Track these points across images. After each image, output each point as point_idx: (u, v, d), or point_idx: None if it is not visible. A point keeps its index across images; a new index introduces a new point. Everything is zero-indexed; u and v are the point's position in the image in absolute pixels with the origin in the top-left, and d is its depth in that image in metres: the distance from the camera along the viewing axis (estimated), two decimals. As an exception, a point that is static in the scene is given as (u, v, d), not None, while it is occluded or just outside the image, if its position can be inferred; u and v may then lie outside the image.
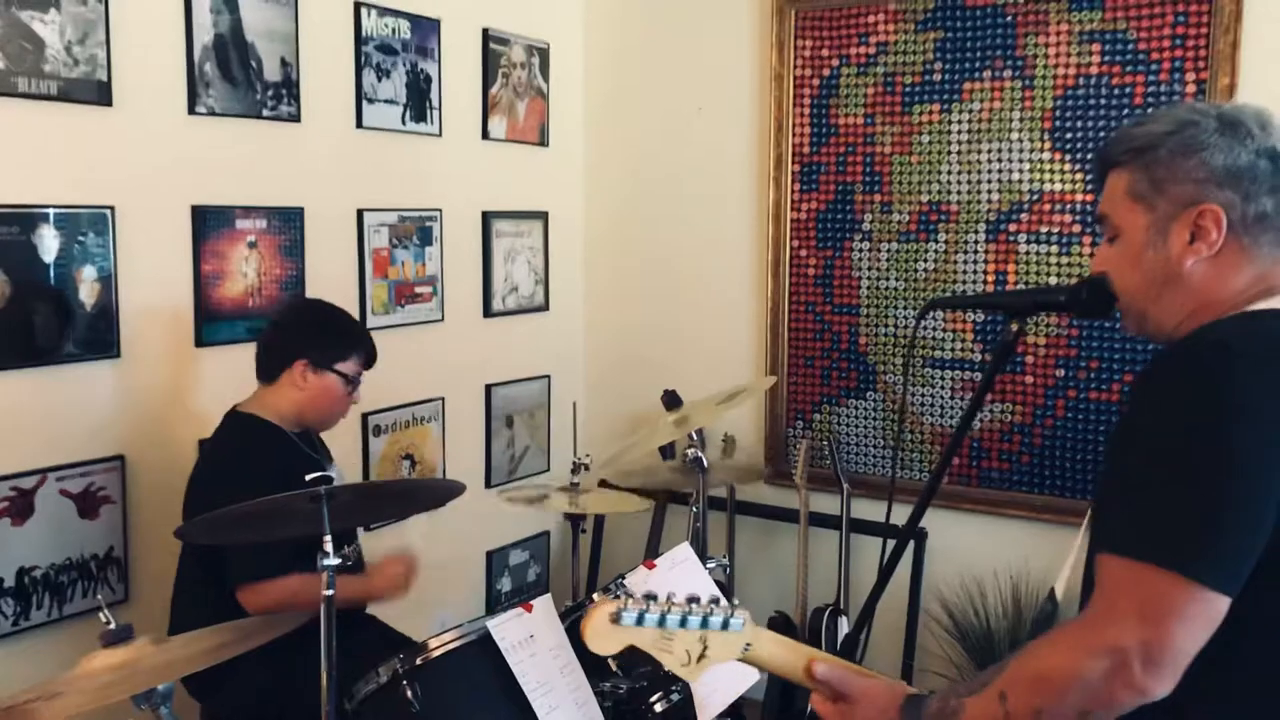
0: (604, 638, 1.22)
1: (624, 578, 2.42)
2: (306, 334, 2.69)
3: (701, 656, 1.24)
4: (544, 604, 2.17)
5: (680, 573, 2.49)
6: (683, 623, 1.23)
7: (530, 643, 2.08)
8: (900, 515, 1.84)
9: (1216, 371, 1.28)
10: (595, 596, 2.39)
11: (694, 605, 1.24)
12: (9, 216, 2.52)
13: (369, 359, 2.76)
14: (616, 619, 1.21)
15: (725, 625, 1.25)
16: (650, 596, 1.23)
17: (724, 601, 1.27)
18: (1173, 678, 1.24)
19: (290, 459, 2.62)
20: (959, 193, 3.52)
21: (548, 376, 4.15)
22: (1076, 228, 3.36)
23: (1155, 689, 1.24)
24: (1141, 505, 1.29)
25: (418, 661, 2.10)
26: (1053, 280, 3.39)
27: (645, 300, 4.17)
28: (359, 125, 3.34)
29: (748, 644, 1.29)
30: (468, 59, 3.71)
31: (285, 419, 2.68)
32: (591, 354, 4.32)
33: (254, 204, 3.05)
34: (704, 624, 1.24)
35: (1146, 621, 1.24)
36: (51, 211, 2.60)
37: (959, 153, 3.51)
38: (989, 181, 3.47)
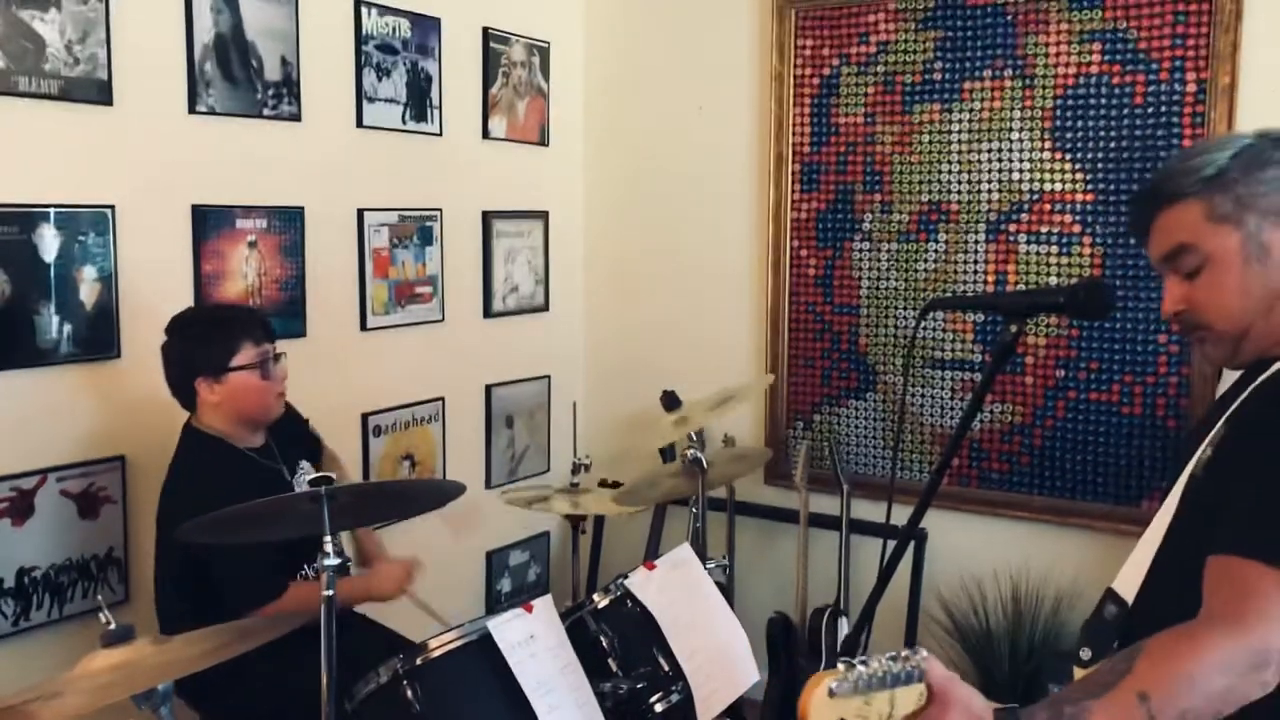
0: (822, 712, 1.25)
1: (624, 578, 2.42)
2: (185, 354, 2.58)
3: (890, 715, 1.28)
4: (544, 604, 2.16)
5: (681, 574, 2.49)
6: (881, 685, 1.27)
7: (530, 643, 2.08)
8: (900, 516, 1.84)
9: None
10: (595, 596, 2.41)
11: (888, 663, 1.28)
12: (9, 216, 2.52)
13: (260, 335, 2.61)
14: (833, 693, 1.24)
15: (909, 679, 1.29)
16: (851, 663, 1.26)
17: (906, 655, 1.30)
18: None
19: (240, 471, 2.58)
20: (959, 193, 3.52)
21: (548, 377, 4.15)
22: (1076, 228, 3.35)
23: (1273, 686, 1.31)
24: None
25: (418, 661, 2.09)
26: (1053, 280, 3.39)
27: (645, 300, 4.17)
28: (359, 124, 3.34)
29: (922, 692, 1.32)
30: (468, 58, 3.71)
31: (229, 431, 2.62)
32: (591, 354, 4.32)
33: (254, 203, 3.05)
34: (895, 683, 1.28)
35: None
36: (52, 211, 2.60)
37: (959, 152, 3.51)
38: (989, 181, 3.47)
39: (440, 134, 3.61)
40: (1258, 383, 1.47)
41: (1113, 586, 1.56)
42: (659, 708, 2.28)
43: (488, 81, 3.77)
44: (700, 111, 3.98)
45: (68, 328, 2.64)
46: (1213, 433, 1.48)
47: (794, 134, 3.76)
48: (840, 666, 1.25)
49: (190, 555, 2.47)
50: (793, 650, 3.54)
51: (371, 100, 3.36)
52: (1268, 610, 1.30)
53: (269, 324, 2.68)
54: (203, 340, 2.57)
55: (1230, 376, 1.63)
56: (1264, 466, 1.37)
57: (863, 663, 1.26)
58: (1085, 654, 1.57)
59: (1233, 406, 1.49)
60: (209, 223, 2.94)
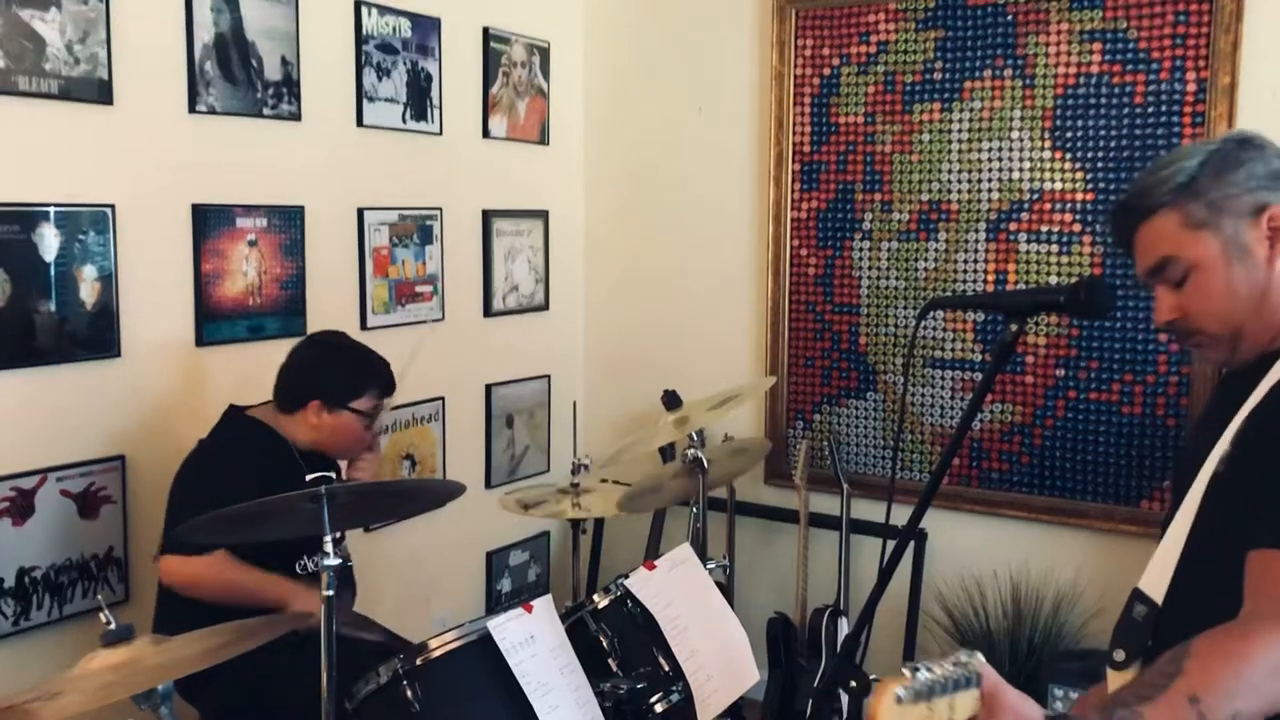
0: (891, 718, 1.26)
1: (624, 578, 2.42)
2: (319, 374, 2.67)
3: (951, 718, 1.29)
4: (544, 604, 2.16)
5: (681, 574, 2.49)
6: (943, 690, 1.28)
7: (530, 643, 2.08)
8: (900, 516, 1.84)
9: None
10: (595, 596, 2.41)
11: (949, 668, 1.28)
12: (9, 215, 2.52)
13: (385, 390, 2.72)
14: (899, 700, 1.25)
15: (968, 684, 1.29)
16: (916, 668, 1.27)
17: (964, 659, 1.30)
18: None
19: (280, 463, 2.60)
20: (959, 192, 3.52)
21: (548, 376, 4.15)
22: (1076, 227, 3.35)
23: None
24: None
25: (418, 661, 2.09)
26: (1053, 279, 3.39)
27: (645, 300, 4.17)
28: (359, 124, 3.34)
29: (978, 697, 1.33)
30: (468, 58, 3.70)
31: (298, 443, 2.67)
32: (591, 354, 4.32)
33: (254, 203, 3.05)
34: (955, 688, 1.28)
35: None
36: (52, 210, 2.60)
37: (959, 152, 3.50)
38: (989, 180, 3.47)
39: (440, 133, 3.60)
40: (1278, 378, 1.46)
41: (1139, 587, 1.55)
42: (659, 708, 2.28)
43: (488, 81, 3.77)
44: (700, 111, 3.98)
45: (68, 328, 2.64)
46: (1233, 429, 1.47)
47: (794, 133, 3.76)
48: (905, 672, 1.25)
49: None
50: (793, 650, 3.54)
51: (371, 100, 3.35)
52: None
53: (394, 383, 2.75)
54: (340, 371, 2.68)
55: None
56: None
57: (926, 668, 1.26)
58: (1119, 655, 1.56)
59: (1251, 402, 1.47)
60: (209, 222, 2.94)
